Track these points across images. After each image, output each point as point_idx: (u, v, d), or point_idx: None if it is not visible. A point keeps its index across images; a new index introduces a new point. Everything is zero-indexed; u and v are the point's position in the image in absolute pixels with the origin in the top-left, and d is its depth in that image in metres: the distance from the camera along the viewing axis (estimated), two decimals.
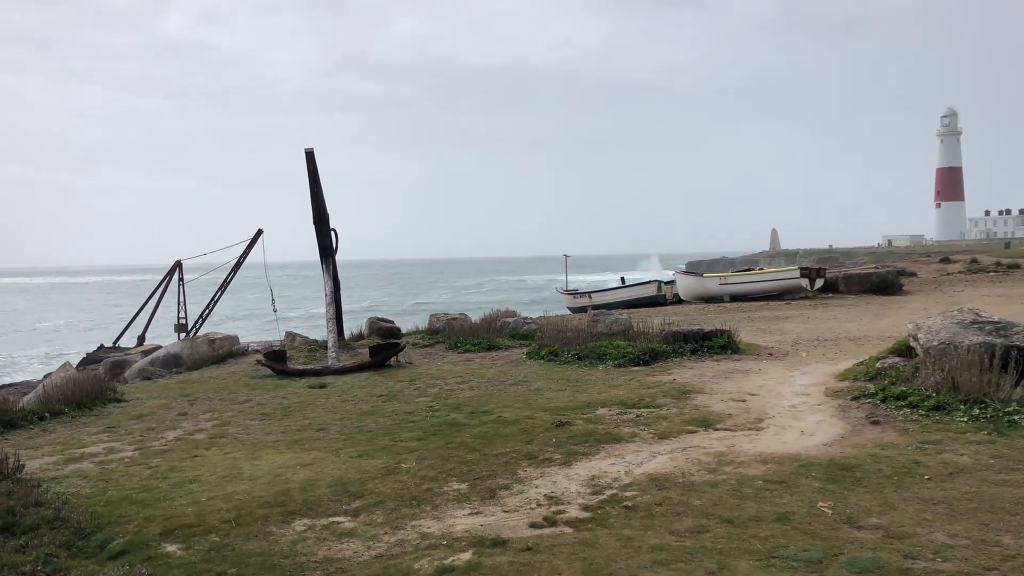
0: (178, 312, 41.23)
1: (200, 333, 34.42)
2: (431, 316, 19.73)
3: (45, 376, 29.02)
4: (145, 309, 41.10)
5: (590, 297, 34.63)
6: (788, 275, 29.83)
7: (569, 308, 33.72)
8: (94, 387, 11.92)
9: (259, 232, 40.48)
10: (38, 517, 6.85)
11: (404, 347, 15.57)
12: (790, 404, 10.22)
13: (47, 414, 11.07)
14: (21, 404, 12.29)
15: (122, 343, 40.05)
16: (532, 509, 6.71)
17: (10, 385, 33.07)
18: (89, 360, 32.00)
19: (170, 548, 6.30)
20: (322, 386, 13.06)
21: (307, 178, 16.26)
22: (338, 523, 6.63)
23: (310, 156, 16.15)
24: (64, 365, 19.95)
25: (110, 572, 5.39)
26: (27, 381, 32.89)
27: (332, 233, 16.95)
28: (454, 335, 17.18)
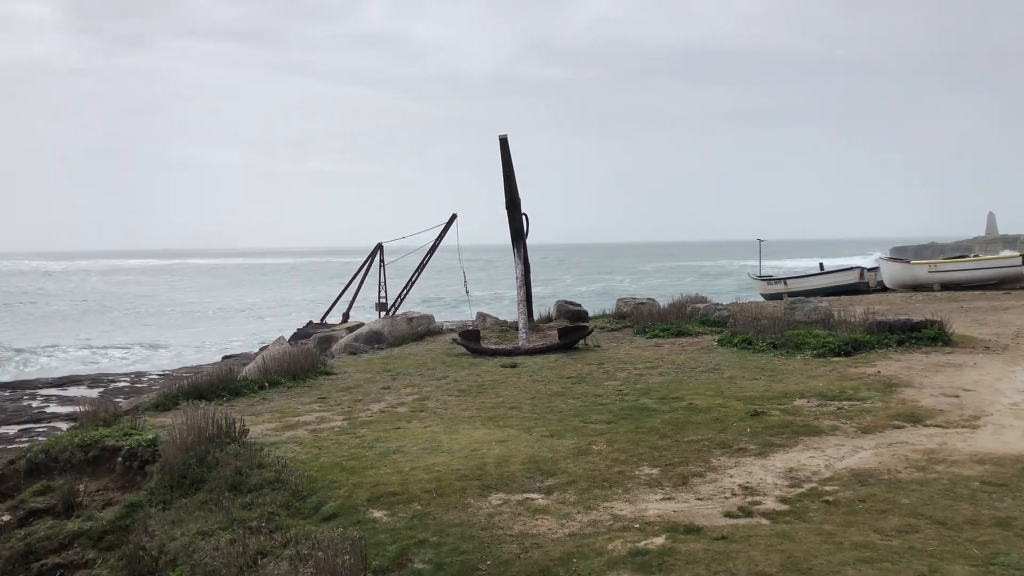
0: (379, 292, 43.40)
1: (399, 312, 36.14)
2: (619, 300, 19.71)
3: (261, 348, 31.46)
4: (349, 289, 43.55)
5: (785, 284, 33.38)
6: (1008, 262, 27.42)
7: (762, 295, 32.66)
8: (307, 360, 12.82)
9: (453, 217, 41.91)
10: (261, 478, 7.48)
11: (592, 330, 15.66)
12: (1011, 402, 9.44)
13: (266, 384, 12.03)
14: (243, 374, 13.40)
15: (328, 320, 42.68)
16: (726, 498, 6.61)
17: (232, 356, 36.13)
18: (299, 335, 34.33)
19: (377, 514, 6.71)
20: (513, 366, 13.38)
21: (500, 163, 16.66)
22: (532, 499, 6.80)
23: (504, 142, 16.51)
24: (279, 339, 21.57)
25: (325, 533, 5.81)
26: (245, 353, 35.82)
27: (523, 217, 17.27)
28: (642, 320, 17.07)
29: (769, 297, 29.96)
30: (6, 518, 8.10)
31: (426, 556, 5.82)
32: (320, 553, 5.33)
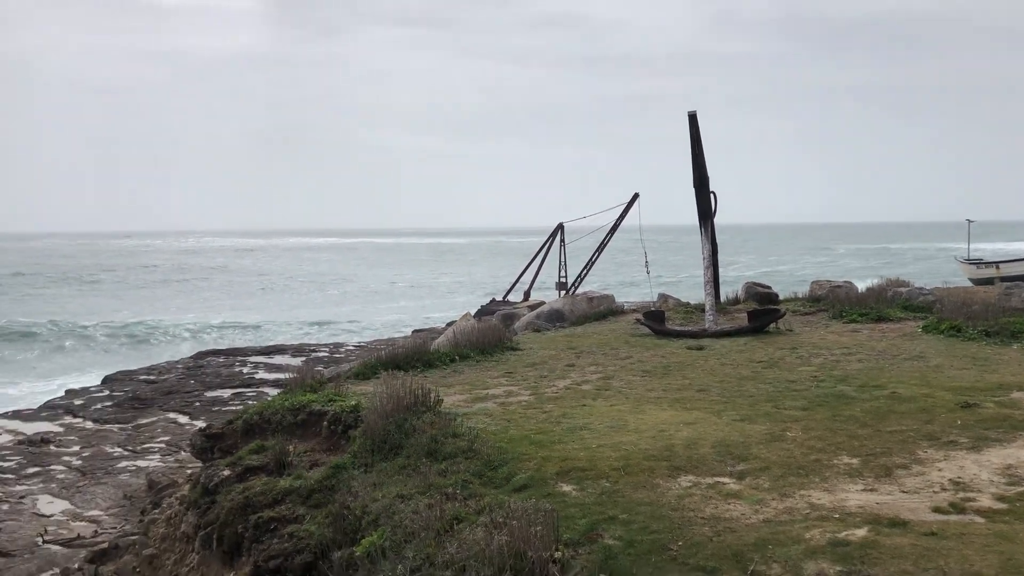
0: (559, 271, 43.75)
1: (579, 291, 36.30)
2: (812, 283, 18.90)
3: (448, 324, 32.54)
4: (530, 268, 44.17)
5: (997, 268, 30.84)
6: None
7: (970, 279, 30.35)
8: (494, 336, 13.14)
9: (635, 196, 41.49)
10: (455, 447, 7.76)
11: (784, 313, 15.10)
12: None
13: (457, 357, 12.44)
14: (433, 347, 13.91)
15: (510, 298, 43.53)
16: (935, 493, 6.22)
17: (420, 330, 37.61)
18: (483, 311, 35.22)
19: (566, 488, 6.80)
20: (700, 348, 13.13)
21: (688, 141, 16.29)
22: (723, 483, 6.67)
23: (692, 119, 16.13)
24: (465, 315, 22.25)
25: (518, 503, 5.95)
26: (433, 328, 37.19)
27: (712, 196, 16.84)
28: (838, 304, 16.27)
29: (978, 282, 27.81)
30: (226, 473, 8.83)
31: (616, 532, 5.84)
32: (515, 522, 5.47)
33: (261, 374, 25.14)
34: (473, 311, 33.16)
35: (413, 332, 37.10)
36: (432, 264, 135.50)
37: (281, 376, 24.14)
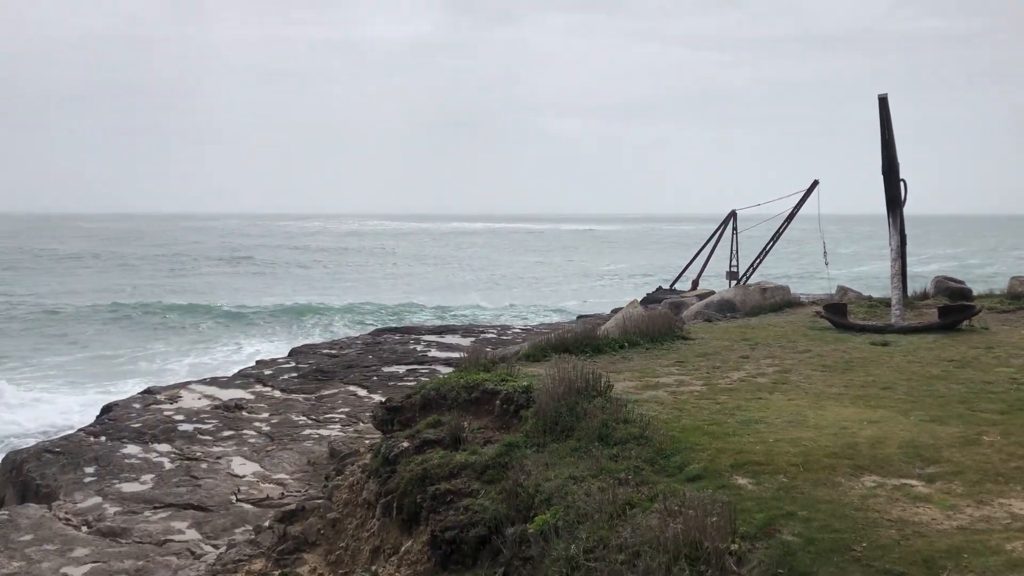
0: (730, 260, 42.72)
1: (751, 281, 35.29)
2: (1012, 279, 17.53)
3: (613, 310, 32.48)
4: (699, 256, 43.36)
5: None
6: None
7: None
8: (665, 324, 13.02)
9: (814, 183, 39.86)
10: (626, 432, 7.77)
11: (979, 310, 14.11)
12: None
13: (626, 344, 12.42)
14: (600, 331, 13.93)
15: (677, 287, 42.91)
16: None
17: (585, 316, 37.74)
18: (649, 299, 34.95)
19: (741, 480, 6.67)
20: (884, 344, 12.49)
21: (878, 125, 15.48)
22: (911, 486, 6.35)
23: (883, 102, 15.31)
24: (632, 302, 22.11)
25: (693, 493, 5.91)
26: (597, 314, 37.21)
27: (902, 184, 15.93)
28: None
29: None
30: (405, 444, 9.23)
31: (795, 529, 5.69)
32: (690, 511, 5.44)
33: (433, 352, 26.01)
34: (638, 299, 32.93)
35: (578, 318, 37.28)
36: (590, 251, 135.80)
37: (452, 355, 24.90)
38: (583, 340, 12.30)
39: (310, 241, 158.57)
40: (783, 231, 41.70)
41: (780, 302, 18.58)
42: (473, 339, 27.94)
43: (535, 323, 39.81)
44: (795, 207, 40.51)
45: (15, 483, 16.71)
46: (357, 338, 30.08)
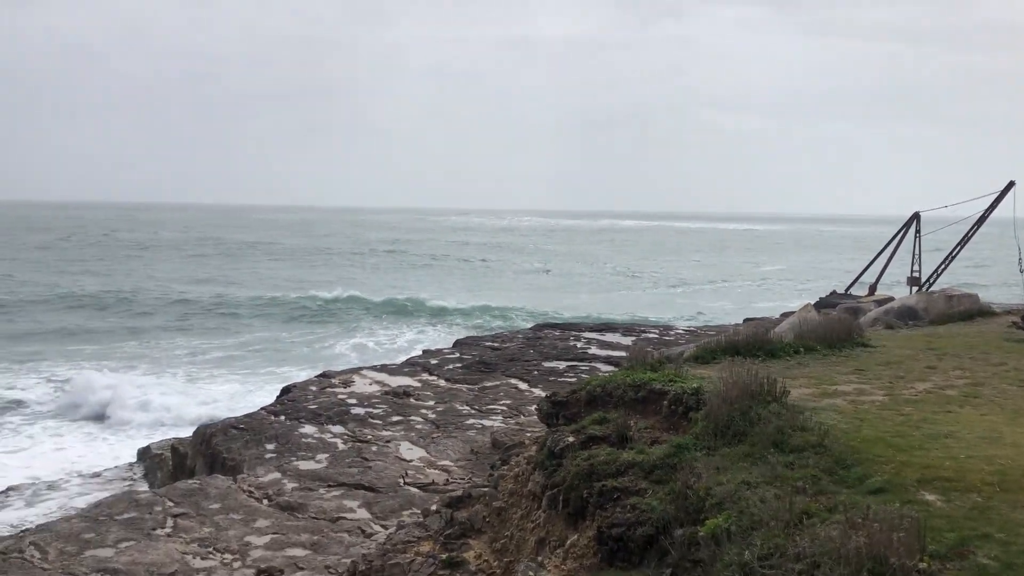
0: (911, 265, 40.29)
1: (934, 288, 33.20)
2: None
3: (782, 314, 31.39)
4: (878, 259, 41.17)
5: None
6: None
7: None
8: (843, 329, 12.45)
9: (1010, 184, 37.01)
10: (803, 440, 7.49)
11: None
12: None
13: (801, 349, 11.96)
14: (772, 335, 13.47)
15: (853, 291, 40.92)
16: None
17: (752, 319, 36.66)
18: (823, 304, 33.46)
19: (929, 497, 6.30)
20: None
21: None
22: None
23: None
24: (806, 306, 21.27)
25: (879, 506, 5.63)
26: (766, 317, 36.06)
27: None
28: None
29: None
30: (571, 439, 9.28)
31: (991, 552, 5.32)
32: (875, 524, 5.18)
33: (594, 349, 26.01)
34: (811, 302, 31.60)
35: (745, 320, 36.24)
36: (747, 251, 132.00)
37: (613, 353, 24.84)
38: (755, 343, 11.94)
39: (469, 237, 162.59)
40: (972, 234, 38.95)
41: (969, 310, 17.40)
42: (634, 338, 27.75)
43: (699, 324, 39.09)
44: (987, 209, 37.75)
45: (204, 455, 18.06)
46: (518, 332, 30.52)
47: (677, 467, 7.71)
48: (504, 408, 19.58)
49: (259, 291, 65.34)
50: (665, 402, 9.37)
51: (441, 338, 43.11)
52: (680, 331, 30.57)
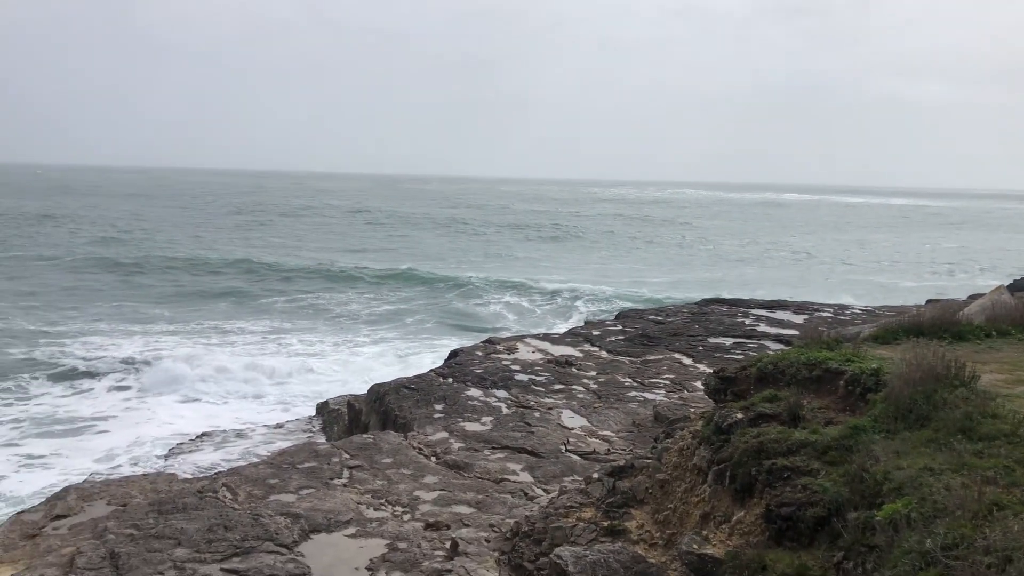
0: None
1: None
2: None
3: (969, 296, 29.35)
4: None
5: None
6: None
7: None
8: None
9: None
10: (994, 428, 7.05)
11: None
12: None
13: (993, 332, 11.20)
14: (959, 317, 12.63)
15: None
16: None
17: (935, 300, 34.50)
18: (1016, 287, 31.05)
19: None
20: None
21: None
22: None
23: None
24: (997, 288, 19.80)
25: None
26: (953, 299, 33.84)
27: None
28: None
29: None
30: (739, 416, 9.12)
31: None
32: None
33: (763, 327, 25.26)
34: (1002, 284, 29.37)
35: (928, 301, 34.14)
36: (924, 228, 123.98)
37: (784, 332, 24.05)
38: (941, 324, 11.28)
39: (623, 209, 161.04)
40: None
41: None
42: (807, 316, 26.76)
43: (876, 304, 37.20)
44: None
45: (378, 412, 18.97)
46: (683, 307, 30.05)
47: (853, 449, 7.44)
48: (667, 382, 19.41)
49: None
50: (841, 382, 9.06)
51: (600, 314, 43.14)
52: (856, 311, 29.16)
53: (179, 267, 62.43)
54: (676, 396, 18.18)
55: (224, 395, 29.28)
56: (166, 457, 21.15)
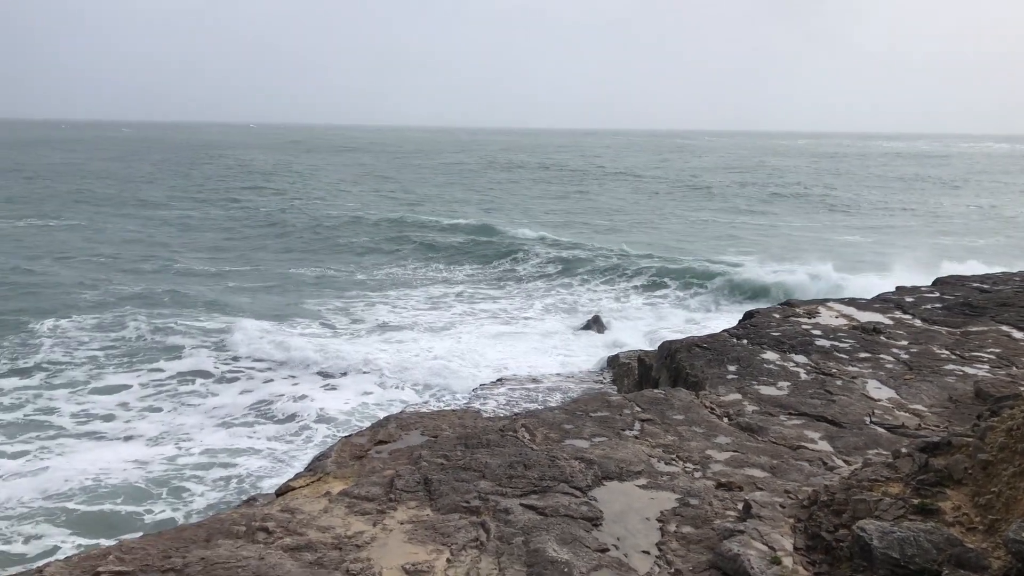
0: None
1: None
2: None
3: None
4: None
5: None
6: None
7: None
8: None
9: None
10: None
11: None
12: None
13: None
14: None
15: None
16: None
17: None
18: None
19: None
20: None
21: None
22: None
23: None
24: None
25: None
26: None
27: None
28: None
29: None
30: None
31: None
32: None
33: None
34: None
35: None
36: None
37: None
38: None
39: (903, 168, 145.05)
40: None
41: None
42: None
43: None
44: None
45: (668, 368, 18.99)
46: (1016, 274, 26.86)
47: None
48: (991, 356, 17.53)
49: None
50: None
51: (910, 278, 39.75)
52: None
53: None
54: (1003, 372, 16.40)
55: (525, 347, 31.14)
56: (469, 397, 22.83)
